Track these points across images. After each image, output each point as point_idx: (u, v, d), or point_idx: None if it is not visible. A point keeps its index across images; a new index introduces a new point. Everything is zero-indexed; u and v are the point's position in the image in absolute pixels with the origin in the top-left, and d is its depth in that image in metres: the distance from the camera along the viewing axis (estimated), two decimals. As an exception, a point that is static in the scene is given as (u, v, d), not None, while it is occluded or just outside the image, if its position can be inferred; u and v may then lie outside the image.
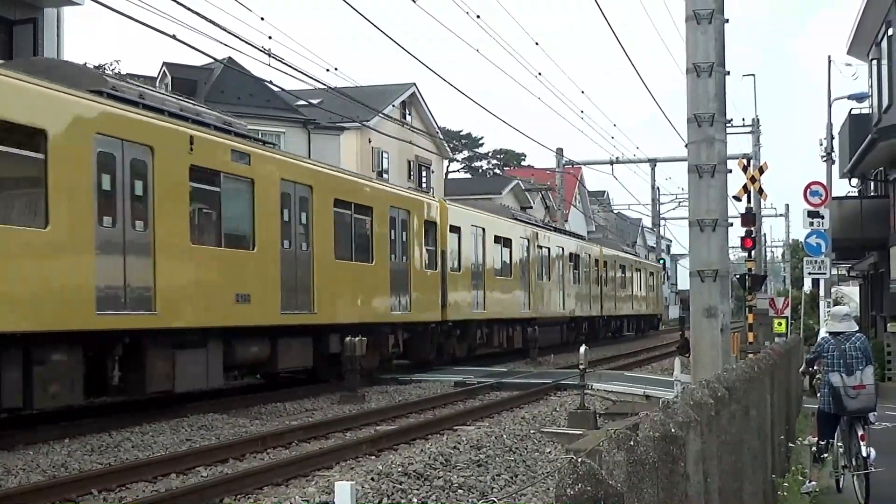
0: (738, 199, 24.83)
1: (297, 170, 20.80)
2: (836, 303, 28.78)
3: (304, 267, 20.62)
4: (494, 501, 10.76)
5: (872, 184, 33.60)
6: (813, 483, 11.35)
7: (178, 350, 16.86)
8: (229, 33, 18.01)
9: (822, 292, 28.97)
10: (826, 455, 11.90)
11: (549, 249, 38.67)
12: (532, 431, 16.03)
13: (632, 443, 3.60)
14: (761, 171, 26.05)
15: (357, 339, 21.26)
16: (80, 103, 14.79)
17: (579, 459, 2.93)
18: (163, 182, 16.28)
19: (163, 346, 16.52)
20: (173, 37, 17.32)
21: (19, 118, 13.66)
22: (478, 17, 23.77)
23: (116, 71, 27.37)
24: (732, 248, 27.61)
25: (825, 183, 27.77)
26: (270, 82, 33.90)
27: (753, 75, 56.16)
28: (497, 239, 32.62)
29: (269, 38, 49.98)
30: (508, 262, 33.66)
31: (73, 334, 14.59)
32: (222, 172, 18.01)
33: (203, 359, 17.51)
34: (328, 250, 21.59)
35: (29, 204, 14.22)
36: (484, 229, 31.47)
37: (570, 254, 42.02)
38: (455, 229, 29.13)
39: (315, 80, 22.71)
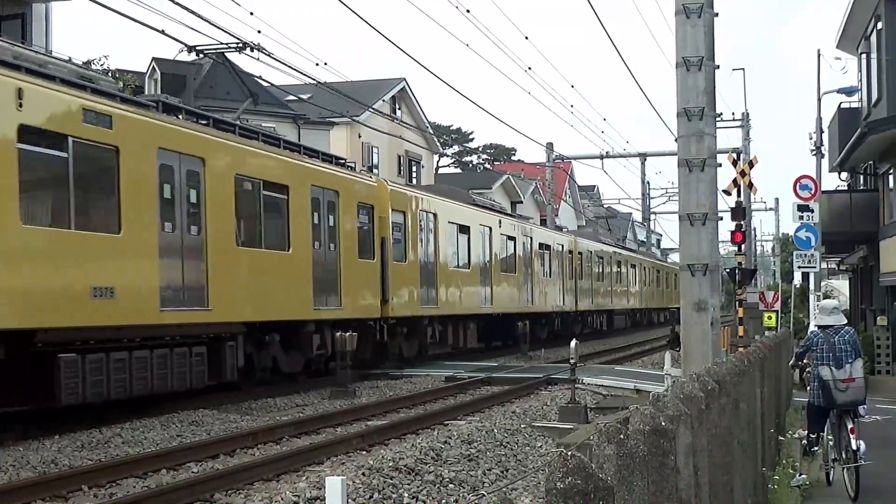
0: (727, 193, 24.81)
1: (183, 138, 17.34)
2: (826, 297, 28.84)
3: (194, 255, 17.39)
4: (485, 495, 10.76)
5: (862, 178, 33.63)
6: (803, 476, 11.39)
7: None
8: (218, 28, 18.00)
9: (811, 286, 29.02)
10: (816, 448, 11.94)
11: (514, 239, 35.55)
12: (523, 426, 16.04)
13: (622, 436, 3.60)
14: (751, 165, 26.02)
15: (348, 333, 21.23)
16: None
17: (569, 453, 2.93)
18: None
19: None
20: (162, 32, 17.31)
21: None
22: (467, 11, 23.79)
23: (105, 66, 27.26)
24: (722, 242, 27.65)
25: (815, 177, 27.78)
26: (260, 77, 33.83)
27: (743, 69, 56.13)
28: (452, 226, 29.80)
29: (259, 32, 49.93)
30: (467, 251, 30.75)
31: None
32: (71, 136, 14.64)
33: None
34: (227, 235, 18.41)
35: None
36: (435, 214, 28.41)
37: (541, 244, 38.99)
38: (399, 214, 26.11)
39: (304, 74, 22.73)
